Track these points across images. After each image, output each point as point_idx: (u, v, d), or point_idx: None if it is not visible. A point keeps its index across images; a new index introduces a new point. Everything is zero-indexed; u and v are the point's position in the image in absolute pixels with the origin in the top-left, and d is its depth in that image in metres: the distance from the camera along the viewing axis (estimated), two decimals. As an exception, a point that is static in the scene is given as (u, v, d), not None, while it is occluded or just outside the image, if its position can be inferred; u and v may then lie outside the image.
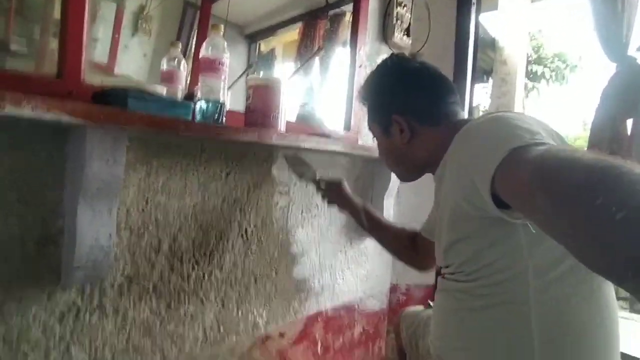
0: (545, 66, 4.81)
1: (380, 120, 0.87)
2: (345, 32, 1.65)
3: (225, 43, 0.96)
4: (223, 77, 0.94)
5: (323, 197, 1.19)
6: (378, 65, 0.90)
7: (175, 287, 1.02)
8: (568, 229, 0.40)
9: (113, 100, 0.77)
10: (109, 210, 0.82)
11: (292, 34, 1.74)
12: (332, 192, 1.19)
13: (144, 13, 1.19)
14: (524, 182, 0.47)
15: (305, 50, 1.75)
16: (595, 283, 0.65)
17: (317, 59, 1.73)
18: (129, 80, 1.00)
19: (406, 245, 1.16)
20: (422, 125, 0.81)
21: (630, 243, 0.33)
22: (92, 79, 0.85)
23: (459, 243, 0.70)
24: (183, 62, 1.09)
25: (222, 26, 0.96)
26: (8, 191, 0.74)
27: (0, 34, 0.95)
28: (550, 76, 4.79)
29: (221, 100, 0.94)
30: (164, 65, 1.08)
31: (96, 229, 0.80)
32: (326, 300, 1.49)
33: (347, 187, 1.20)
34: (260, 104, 0.98)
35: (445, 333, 0.77)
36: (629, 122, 1.33)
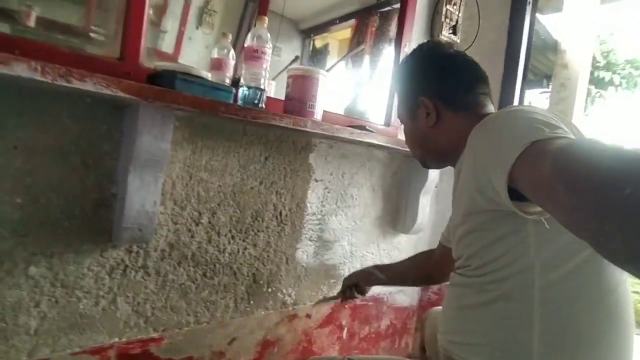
0: (614, 72, 4.43)
1: (408, 102, 0.87)
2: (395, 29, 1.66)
3: (269, 34, 1.03)
4: (265, 65, 1.01)
5: (353, 297, 1.24)
6: (412, 50, 0.91)
7: (211, 258, 1.11)
8: (591, 220, 0.38)
9: (163, 82, 0.86)
10: (155, 180, 0.93)
11: (346, 31, 1.78)
12: (359, 283, 1.23)
13: (208, 7, 1.30)
14: (545, 175, 0.46)
15: (357, 46, 1.79)
16: (606, 288, 0.62)
17: (367, 56, 1.76)
18: (179, 64, 1.10)
19: (422, 265, 1.18)
20: (448, 111, 0.80)
21: None
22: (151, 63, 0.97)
23: (469, 235, 0.70)
24: (232, 51, 1.18)
25: (266, 18, 1.03)
26: (74, 155, 0.86)
27: (82, 24, 1.09)
28: (620, 83, 4.42)
29: (262, 86, 1.01)
30: (215, 54, 1.18)
31: (143, 196, 0.91)
32: (356, 289, 1.52)
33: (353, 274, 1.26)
34: (298, 92, 1.04)
35: (449, 328, 0.77)
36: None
